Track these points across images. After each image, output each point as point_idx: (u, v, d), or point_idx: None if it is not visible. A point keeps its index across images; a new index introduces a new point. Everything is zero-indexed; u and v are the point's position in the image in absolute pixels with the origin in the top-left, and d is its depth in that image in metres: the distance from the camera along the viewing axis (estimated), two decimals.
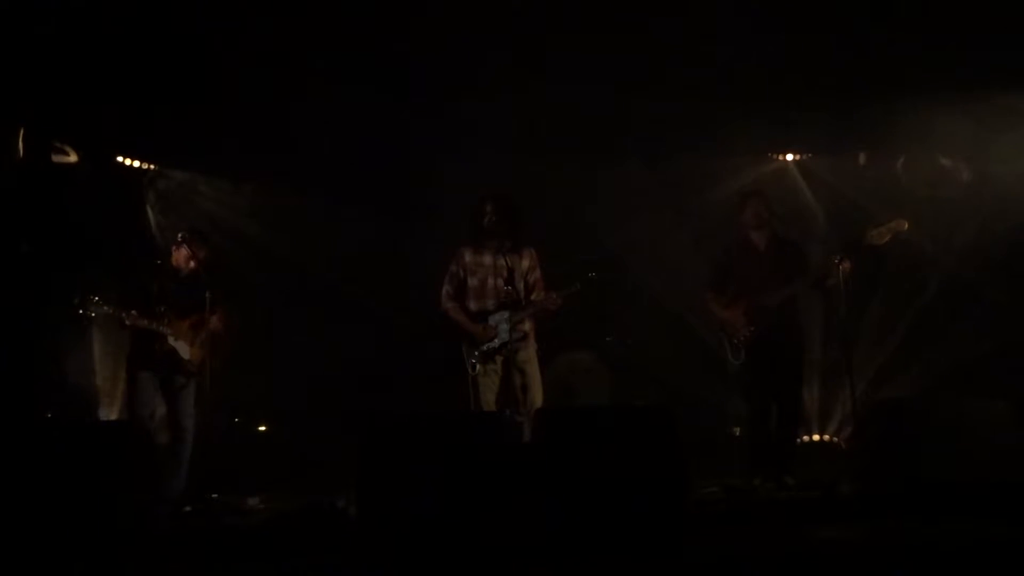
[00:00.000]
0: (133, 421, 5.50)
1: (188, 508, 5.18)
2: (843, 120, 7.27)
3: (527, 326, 5.55)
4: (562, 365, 7.40)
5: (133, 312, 5.47)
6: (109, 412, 7.24)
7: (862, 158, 7.98)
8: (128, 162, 7.60)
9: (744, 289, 5.69)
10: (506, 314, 5.48)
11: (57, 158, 7.01)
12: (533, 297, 5.60)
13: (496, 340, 5.49)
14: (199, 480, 5.45)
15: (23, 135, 6.55)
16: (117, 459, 4.40)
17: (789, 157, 8.16)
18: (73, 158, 7.09)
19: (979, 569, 3.38)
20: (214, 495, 5.39)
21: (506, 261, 5.51)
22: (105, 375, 7.28)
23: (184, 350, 5.58)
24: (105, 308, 5.42)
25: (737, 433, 7.01)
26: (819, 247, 6.49)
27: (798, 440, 6.22)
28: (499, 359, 5.53)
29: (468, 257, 5.66)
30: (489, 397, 5.49)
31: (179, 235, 5.79)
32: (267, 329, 7.16)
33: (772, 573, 3.44)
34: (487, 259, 5.62)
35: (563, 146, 7.22)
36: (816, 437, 7.38)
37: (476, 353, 5.51)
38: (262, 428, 7.46)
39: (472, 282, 5.62)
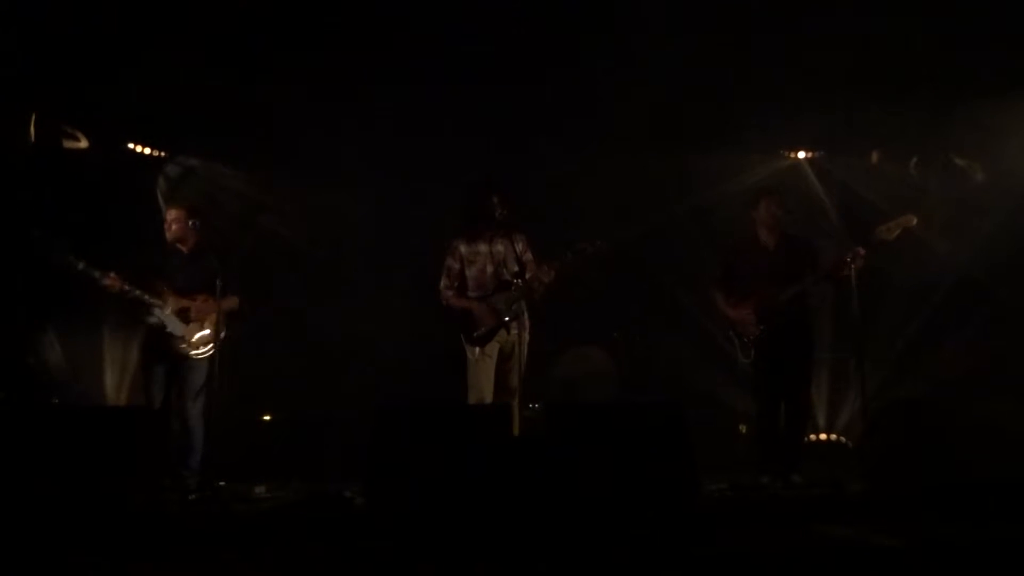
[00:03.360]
0: (148, 407, 5.52)
1: (195, 496, 5.18)
2: (856, 118, 7.25)
3: (523, 305, 5.56)
4: (570, 361, 7.39)
5: (111, 273, 5.45)
6: (117, 398, 7.26)
7: (875, 157, 7.95)
8: (139, 148, 7.61)
9: (752, 287, 5.66)
10: (502, 295, 5.55)
11: (68, 143, 7.03)
12: (527, 277, 5.60)
13: (493, 321, 5.51)
14: (206, 468, 5.46)
15: (35, 120, 6.56)
16: (126, 445, 4.42)
17: (802, 155, 8.13)
18: (84, 144, 7.11)
19: (988, 569, 3.36)
20: (221, 483, 5.39)
21: (504, 246, 5.57)
22: (114, 362, 7.30)
23: (177, 327, 5.56)
24: (80, 265, 5.39)
25: (745, 431, 6.99)
26: (831, 245, 6.45)
27: (806, 439, 6.20)
28: (495, 346, 5.56)
29: (464, 248, 5.70)
30: (482, 383, 5.51)
31: (178, 207, 5.79)
32: (275, 317, 7.16)
33: (779, 571, 3.43)
34: (482, 247, 5.68)
35: (573, 139, 7.21)
36: (824, 436, 7.34)
37: (474, 336, 5.53)
38: (269, 417, 7.47)
39: (471, 272, 5.67)
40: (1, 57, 5.93)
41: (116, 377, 7.28)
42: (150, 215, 7.46)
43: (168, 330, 5.56)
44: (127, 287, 5.49)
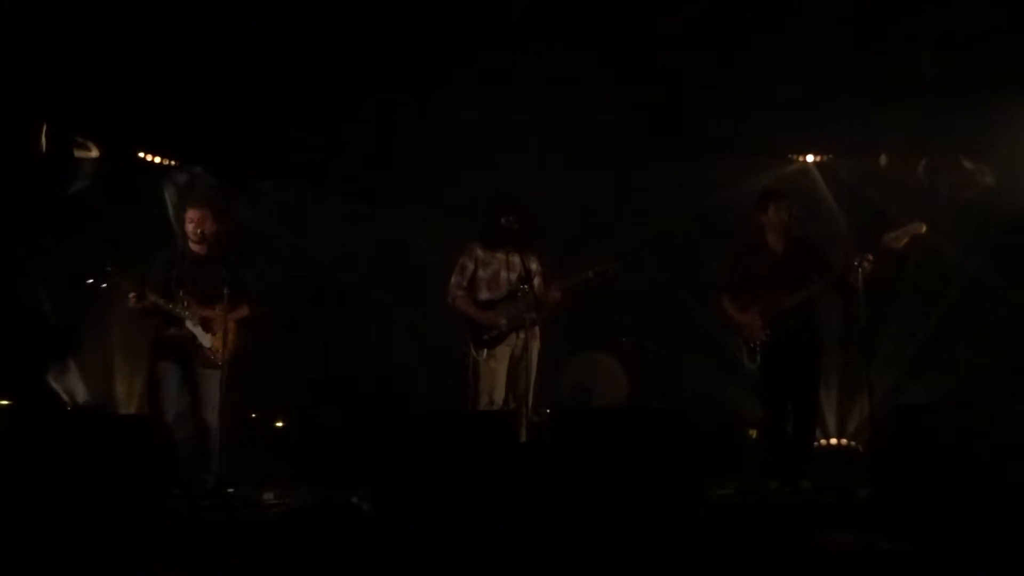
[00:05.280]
0: (154, 414, 5.44)
1: (205, 502, 5.20)
2: (865, 121, 7.23)
3: (532, 315, 5.56)
4: (578, 366, 7.40)
5: (146, 289, 5.36)
6: (128, 404, 7.29)
7: (883, 160, 7.92)
8: (149, 157, 7.66)
9: (760, 291, 5.63)
10: (512, 302, 5.59)
11: (79, 153, 7.08)
12: (537, 292, 5.62)
13: (503, 324, 5.53)
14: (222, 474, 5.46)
15: (46, 130, 6.61)
16: (136, 452, 4.44)
17: (810, 158, 8.11)
18: (95, 153, 7.16)
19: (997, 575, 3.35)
20: (230, 489, 5.41)
21: (523, 262, 5.61)
22: (123, 367, 7.33)
23: (204, 338, 5.48)
24: (119, 281, 5.29)
25: (753, 436, 6.97)
26: (838, 250, 6.44)
27: (814, 444, 6.18)
28: (506, 349, 5.57)
29: (480, 251, 5.75)
30: (490, 386, 5.52)
31: (202, 207, 5.70)
32: (283, 324, 7.19)
33: None
34: (499, 254, 5.72)
35: (579, 144, 7.22)
36: (833, 441, 7.32)
37: (483, 338, 5.55)
38: (279, 424, 7.49)
39: (484, 273, 5.71)
40: (13, 68, 5.98)
41: (126, 384, 7.32)
42: (160, 224, 7.57)
43: (198, 341, 5.47)
44: (159, 300, 5.39)
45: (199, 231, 5.61)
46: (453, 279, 5.73)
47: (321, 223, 7.74)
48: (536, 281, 5.67)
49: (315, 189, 7.72)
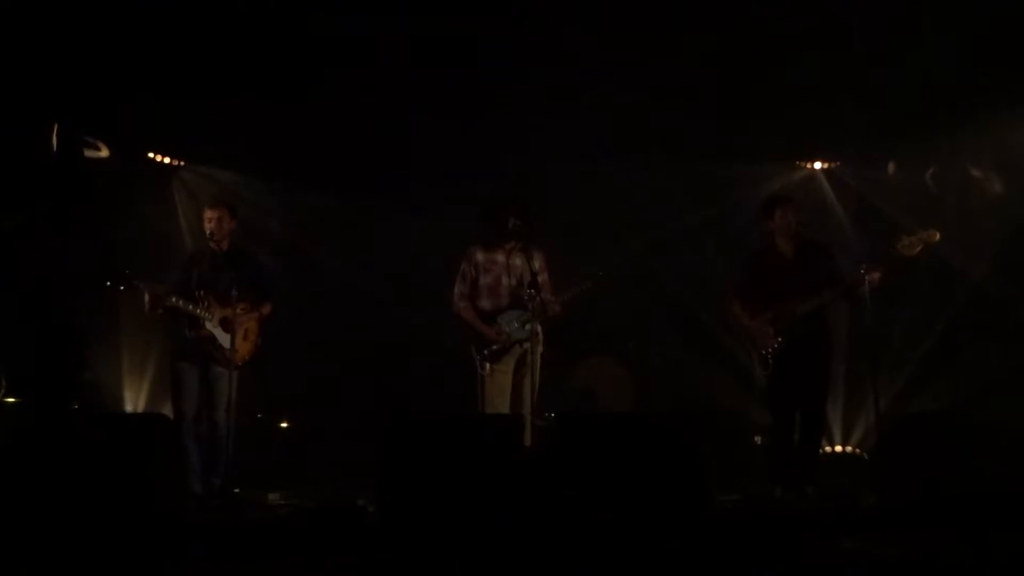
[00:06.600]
0: (175, 414, 5.43)
1: (211, 503, 5.21)
2: (872, 129, 7.23)
3: (537, 326, 5.51)
4: (585, 371, 7.40)
5: (164, 290, 5.32)
6: (135, 402, 7.32)
7: (892, 167, 7.92)
8: (158, 158, 7.70)
9: (771, 298, 5.59)
10: (514, 313, 5.53)
11: (89, 153, 7.12)
12: (542, 299, 5.58)
13: (505, 338, 5.51)
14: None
15: (56, 131, 6.65)
16: (143, 452, 4.46)
17: (817, 165, 8.11)
18: (105, 153, 7.19)
19: None
20: (236, 490, 5.42)
21: (522, 261, 5.55)
22: (131, 365, 7.35)
23: (224, 338, 5.41)
24: (136, 283, 5.25)
25: (760, 442, 6.97)
26: (846, 257, 6.44)
27: (821, 451, 6.17)
28: (510, 360, 5.54)
29: (480, 256, 5.67)
30: (496, 398, 5.49)
31: (218, 206, 5.66)
32: (291, 325, 7.20)
33: None
34: (500, 258, 5.64)
35: (586, 148, 7.24)
36: (839, 448, 7.32)
37: (485, 352, 5.51)
38: (284, 424, 7.51)
39: (486, 280, 5.62)
40: (24, 70, 6.02)
41: (134, 383, 7.35)
42: (170, 224, 7.60)
43: (218, 342, 5.41)
44: (170, 303, 5.34)
45: (218, 230, 5.57)
46: (456, 288, 5.66)
47: (327, 224, 7.76)
48: (542, 278, 5.58)
49: (320, 189, 7.73)
